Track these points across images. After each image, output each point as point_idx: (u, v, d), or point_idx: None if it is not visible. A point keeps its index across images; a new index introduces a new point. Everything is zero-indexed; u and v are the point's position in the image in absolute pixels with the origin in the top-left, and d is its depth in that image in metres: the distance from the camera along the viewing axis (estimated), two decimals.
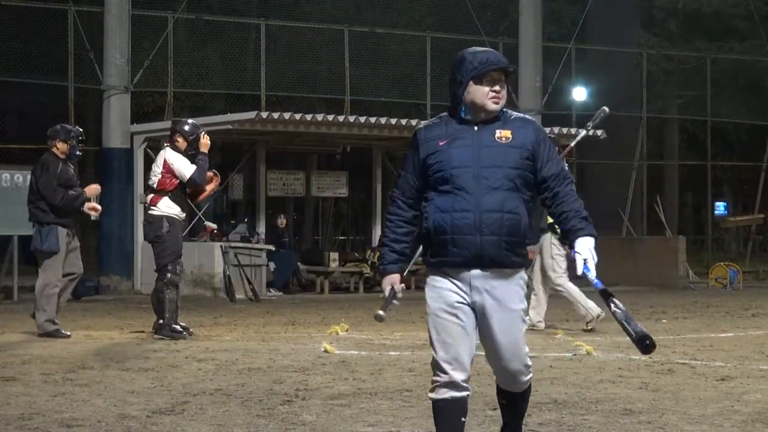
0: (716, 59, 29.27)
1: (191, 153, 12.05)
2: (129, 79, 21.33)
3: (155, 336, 11.77)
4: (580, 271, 5.33)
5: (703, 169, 29.71)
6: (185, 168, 11.88)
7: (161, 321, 11.79)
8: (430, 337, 5.37)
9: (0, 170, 18.49)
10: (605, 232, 27.36)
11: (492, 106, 5.31)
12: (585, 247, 5.30)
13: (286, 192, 23.77)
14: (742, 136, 32.81)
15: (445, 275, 5.33)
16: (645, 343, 5.23)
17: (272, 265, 20.48)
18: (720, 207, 37.94)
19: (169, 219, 11.81)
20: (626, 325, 5.26)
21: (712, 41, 30.74)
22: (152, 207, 11.89)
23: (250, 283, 19.11)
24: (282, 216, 22.67)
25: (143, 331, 12.52)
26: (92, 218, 12.16)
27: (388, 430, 6.57)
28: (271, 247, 20.32)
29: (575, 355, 10.41)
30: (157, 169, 11.99)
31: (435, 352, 5.34)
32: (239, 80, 24.00)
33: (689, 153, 33.87)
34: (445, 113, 5.48)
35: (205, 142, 12.10)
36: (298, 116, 19.89)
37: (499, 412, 7.10)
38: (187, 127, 12.14)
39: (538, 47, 24.85)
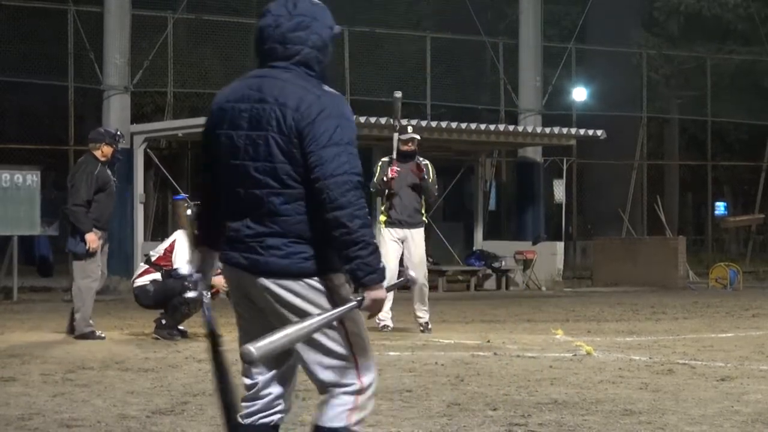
0: (716, 59, 29.27)
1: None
2: (129, 79, 21.33)
3: (153, 333, 11.80)
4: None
5: (703, 169, 29.73)
6: (181, 259, 11.69)
7: (164, 321, 11.78)
8: (367, 347, 4.45)
9: (0, 170, 18.48)
10: (605, 232, 27.43)
11: None
12: None
13: None
14: (742, 136, 32.81)
15: None
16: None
17: None
18: (720, 207, 37.91)
19: (152, 282, 11.82)
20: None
21: (712, 42, 30.74)
22: (138, 278, 11.94)
23: None
24: None
25: (143, 332, 12.51)
26: (86, 247, 11.99)
27: (388, 430, 6.56)
28: None
29: (575, 355, 10.40)
30: (164, 245, 11.99)
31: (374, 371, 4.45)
32: None
33: (689, 153, 33.87)
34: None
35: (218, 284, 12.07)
36: None
37: (500, 412, 7.11)
38: None
39: (538, 47, 24.84)
